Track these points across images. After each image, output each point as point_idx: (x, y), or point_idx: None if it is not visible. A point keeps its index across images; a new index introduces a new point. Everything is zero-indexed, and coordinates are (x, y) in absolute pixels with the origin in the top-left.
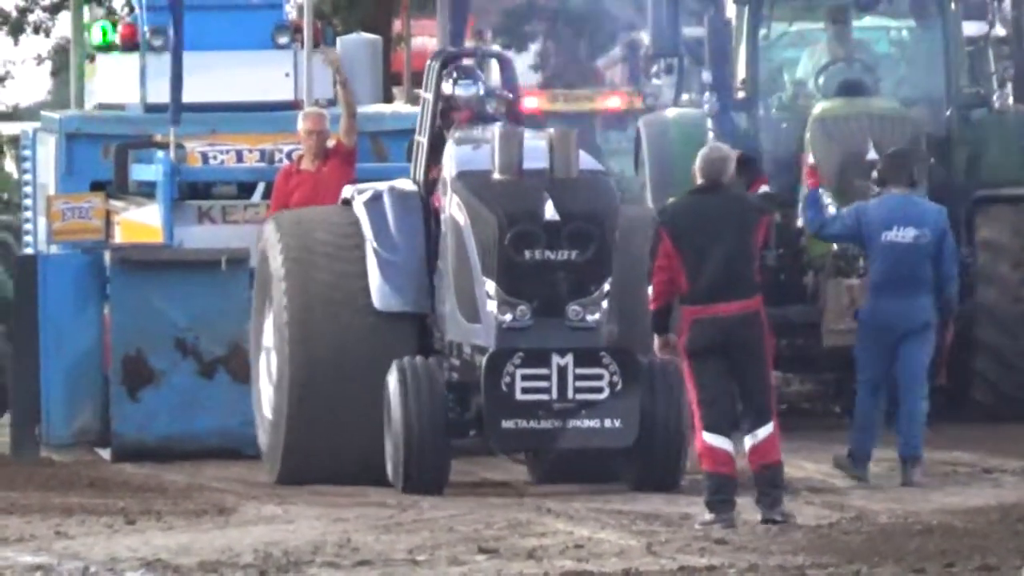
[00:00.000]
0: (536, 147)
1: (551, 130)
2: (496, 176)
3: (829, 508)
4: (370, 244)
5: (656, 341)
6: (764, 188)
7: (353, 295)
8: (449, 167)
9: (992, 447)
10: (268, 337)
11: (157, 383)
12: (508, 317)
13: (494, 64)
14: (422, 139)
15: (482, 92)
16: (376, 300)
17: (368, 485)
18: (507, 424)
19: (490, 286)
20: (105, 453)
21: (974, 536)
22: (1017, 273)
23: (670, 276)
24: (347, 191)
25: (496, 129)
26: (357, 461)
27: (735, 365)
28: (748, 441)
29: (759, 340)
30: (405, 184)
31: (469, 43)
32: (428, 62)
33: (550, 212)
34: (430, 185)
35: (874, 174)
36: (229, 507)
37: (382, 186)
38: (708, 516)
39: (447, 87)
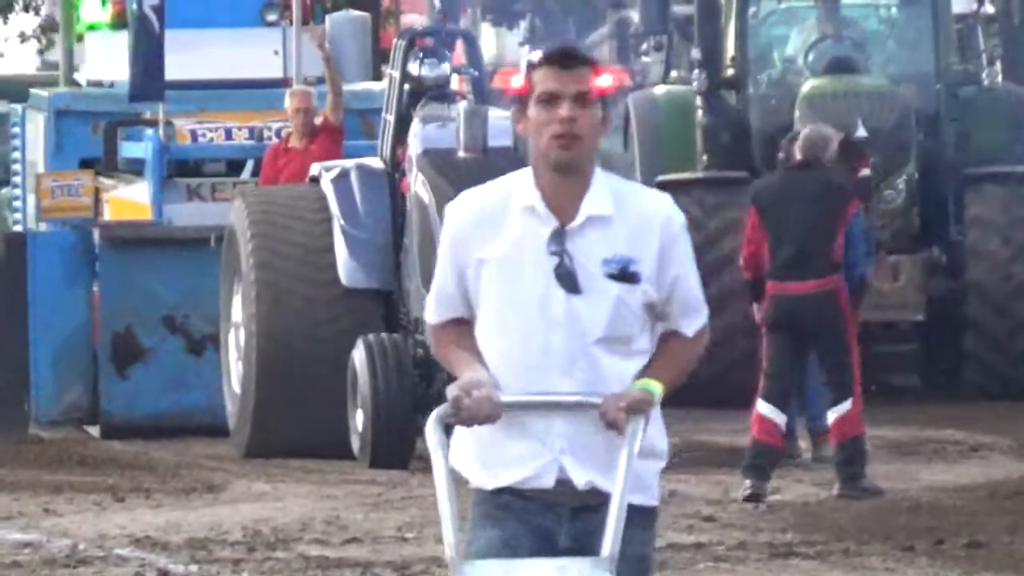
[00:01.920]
0: (501, 125)
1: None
2: (461, 154)
3: (817, 486)
4: (337, 221)
5: (756, 309)
6: (865, 171)
7: (320, 271)
8: (414, 145)
9: (981, 425)
10: (236, 312)
11: (146, 360)
12: None
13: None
14: (389, 117)
15: (448, 71)
16: (343, 276)
17: (334, 459)
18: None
19: None
20: (94, 430)
21: (963, 513)
22: (1007, 250)
23: (756, 249)
24: (315, 168)
25: (461, 107)
26: (323, 435)
27: (813, 342)
28: (830, 416)
29: (834, 318)
30: (372, 162)
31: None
32: (395, 40)
33: None
34: (397, 165)
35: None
36: (218, 484)
37: (349, 163)
38: (745, 483)
39: (413, 67)
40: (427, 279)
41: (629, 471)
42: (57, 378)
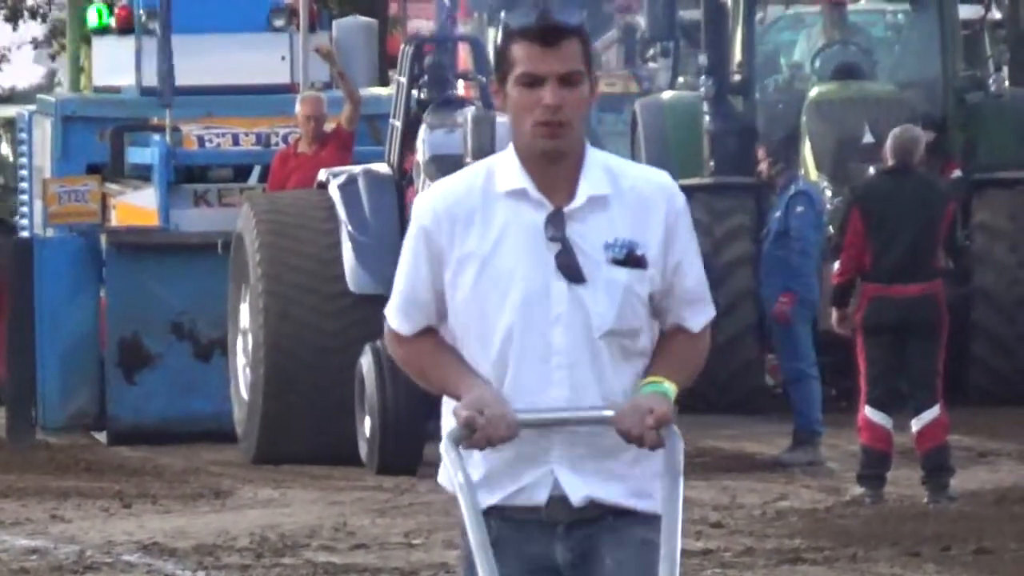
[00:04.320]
0: (508, 131)
1: None
2: (468, 160)
3: (825, 492)
4: (345, 227)
5: (835, 315)
6: (956, 173)
7: (328, 277)
8: (422, 151)
9: (989, 431)
10: (244, 318)
11: (153, 366)
12: None
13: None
14: (396, 123)
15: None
16: (350, 282)
17: (342, 465)
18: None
19: None
20: (101, 436)
21: (970, 519)
22: (1014, 256)
23: (857, 253)
24: (322, 174)
25: (468, 113)
26: (331, 442)
27: (908, 346)
28: (915, 424)
29: (935, 323)
30: (380, 167)
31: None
32: (402, 46)
33: None
34: (405, 172)
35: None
36: (225, 490)
37: (357, 169)
38: (858, 490)
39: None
40: None
41: (679, 498)
42: (64, 384)
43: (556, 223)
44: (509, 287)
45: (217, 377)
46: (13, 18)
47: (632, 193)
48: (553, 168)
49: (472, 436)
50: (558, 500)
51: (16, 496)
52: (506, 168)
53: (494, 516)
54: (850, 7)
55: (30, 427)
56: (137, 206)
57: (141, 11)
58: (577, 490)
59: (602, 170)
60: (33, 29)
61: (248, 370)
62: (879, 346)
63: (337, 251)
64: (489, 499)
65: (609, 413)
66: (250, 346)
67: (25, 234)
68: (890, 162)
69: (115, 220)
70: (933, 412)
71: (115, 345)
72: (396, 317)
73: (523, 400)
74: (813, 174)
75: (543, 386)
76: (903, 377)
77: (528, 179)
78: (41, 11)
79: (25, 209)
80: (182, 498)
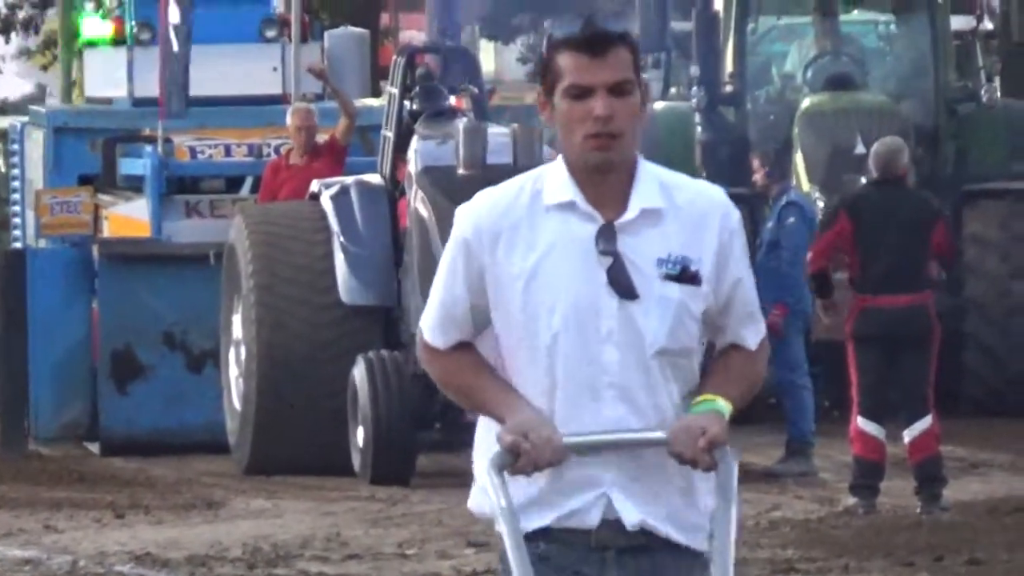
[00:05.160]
0: (500, 142)
1: (515, 125)
2: (460, 171)
3: (818, 502)
4: (337, 238)
5: (818, 304)
6: None
7: (320, 289)
8: (414, 162)
9: (981, 442)
10: (237, 329)
11: (145, 377)
12: None
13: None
14: (388, 134)
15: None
16: (343, 293)
17: (334, 476)
18: (470, 417)
19: None
20: (94, 447)
21: (963, 530)
22: (1005, 267)
23: (833, 245)
24: (314, 185)
25: (460, 124)
26: (324, 452)
27: (899, 357)
28: (907, 435)
29: (925, 335)
30: (372, 178)
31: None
32: (394, 57)
33: None
34: (397, 182)
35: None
36: (218, 501)
37: (349, 180)
38: (851, 501)
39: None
40: (427, 296)
41: (731, 522)
42: (56, 395)
43: (607, 236)
44: (556, 304)
45: (209, 388)
46: (5, 30)
47: (687, 208)
48: (604, 180)
49: (517, 462)
50: (611, 524)
51: (8, 507)
52: (555, 180)
53: (542, 537)
54: (842, 18)
55: (22, 438)
56: (129, 217)
57: (133, 22)
58: (631, 515)
59: (655, 183)
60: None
61: (240, 381)
62: (870, 357)
63: (329, 262)
64: (539, 521)
65: (660, 435)
66: (242, 357)
67: (17, 245)
68: (874, 174)
69: (107, 231)
70: (925, 423)
71: (107, 356)
72: (431, 331)
73: (574, 421)
74: (805, 184)
75: (595, 406)
76: (895, 388)
77: (577, 191)
78: (33, 23)
79: (17, 220)
80: (175, 509)
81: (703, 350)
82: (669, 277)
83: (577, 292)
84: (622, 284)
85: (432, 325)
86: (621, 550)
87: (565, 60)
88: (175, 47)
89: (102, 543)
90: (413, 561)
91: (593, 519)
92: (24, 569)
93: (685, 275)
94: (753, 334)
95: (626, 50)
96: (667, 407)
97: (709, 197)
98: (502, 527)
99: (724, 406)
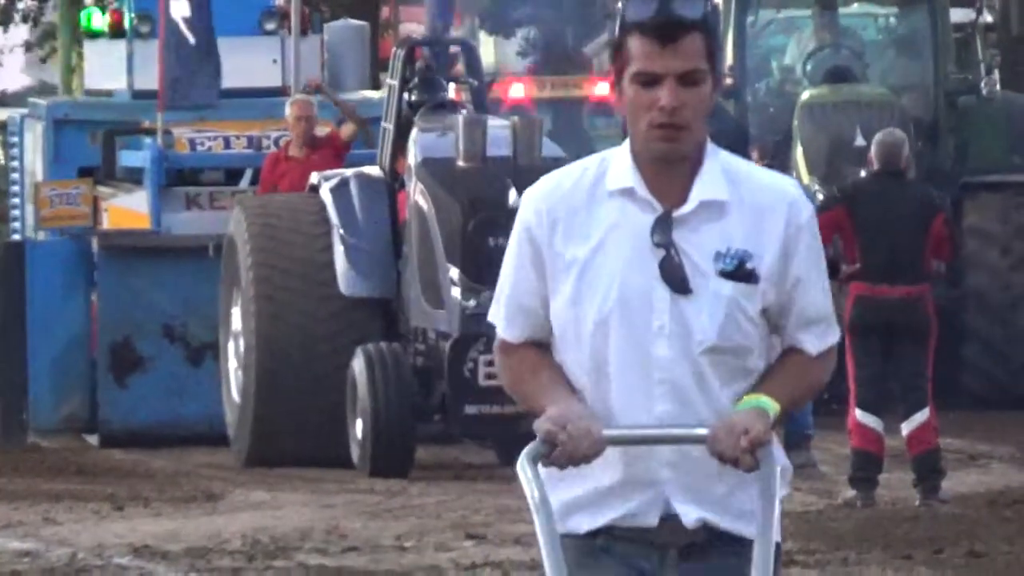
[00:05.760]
0: (500, 134)
1: (515, 118)
2: (460, 163)
3: (816, 495)
4: (336, 230)
5: None
6: None
7: (320, 281)
8: (414, 154)
9: (981, 434)
10: (236, 322)
11: (144, 369)
12: (472, 303)
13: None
14: (388, 126)
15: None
16: (342, 285)
17: (333, 468)
18: (470, 409)
19: (454, 272)
20: (93, 439)
21: (962, 522)
22: (1005, 260)
23: (825, 229)
24: (314, 177)
25: (460, 117)
26: (323, 444)
27: (896, 349)
28: (905, 427)
29: (922, 327)
30: (371, 171)
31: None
32: (394, 49)
33: (513, 199)
34: (397, 175)
35: None
36: (217, 493)
37: (348, 172)
38: (849, 493)
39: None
40: (426, 288)
41: (773, 525)
42: (56, 387)
43: (663, 227)
44: (609, 293)
45: (209, 380)
46: (4, 21)
47: (751, 200)
48: (667, 169)
49: (552, 453)
50: (670, 522)
51: (7, 499)
52: (618, 165)
53: (602, 536)
54: (842, 10)
55: (22, 430)
56: (129, 209)
57: (132, 15)
58: (690, 513)
59: (721, 173)
60: (24, 32)
61: (240, 373)
62: (867, 348)
63: (329, 254)
64: (597, 521)
65: (703, 432)
66: (242, 349)
67: (17, 237)
68: (876, 166)
69: (107, 223)
70: (923, 415)
71: (106, 348)
72: (502, 322)
73: (626, 417)
74: (805, 177)
75: (647, 401)
76: (893, 380)
77: (639, 178)
78: (33, 14)
79: (16, 212)
80: (174, 501)
81: (767, 349)
82: (724, 273)
83: (629, 282)
84: (674, 278)
85: (502, 317)
86: (683, 550)
87: (635, 44)
88: (191, 40)
89: (101, 535)
90: (412, 553)
91: (652, 519)
92: (23, 561)
93: (740, 272)
94: (814, 339)
95: (700, 36)
96: (725, 407)
97: (778, 189)
98: (536, 522)
99: (770, 404)
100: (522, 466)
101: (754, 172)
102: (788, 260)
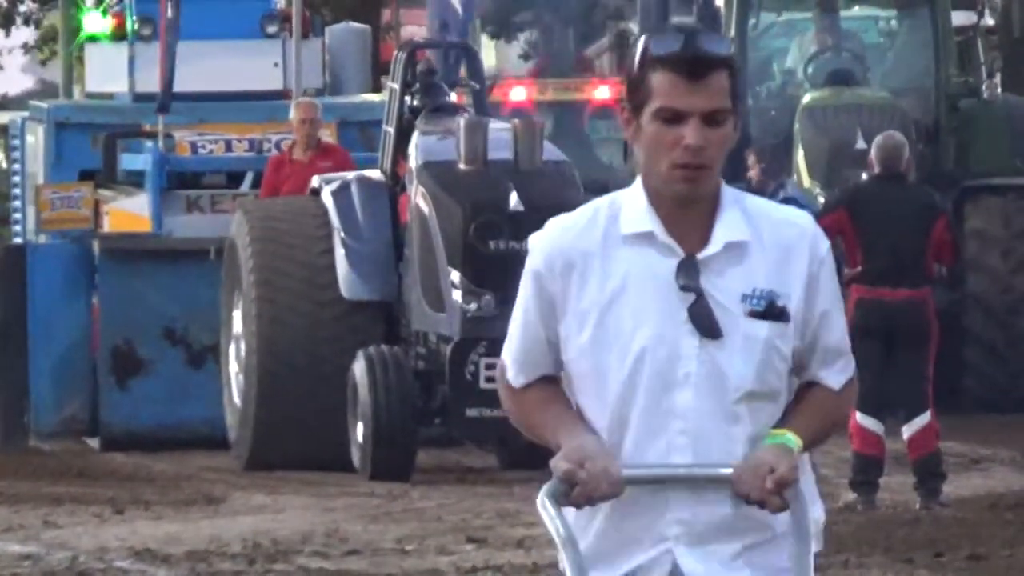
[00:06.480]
0: (501, 138)
1: (516, 120)
2: (461, 166)
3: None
4: (338, 233)
5: None
6: None
7: (321, 284)
8: (415, 157)
9: (981, 437)
10: (237, 325)
11: (146, 372)
12: (473, 307)
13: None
14: (389, 129)
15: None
16: (343, 289)
17: (334, 472)
18: (471, 412)
19: (455, 276)
20: (94, 442)
21: (963, 526)
22: (1006, 263)
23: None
24: (315, 181)
25: (461, 120)
26: (324, 448)
27: (897, 352)
28: (905, 431)
29: (923, 330)
30: (373, 174)
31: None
32: (395, 53)
33: (514, 202)
34: (398, 178)
35: None
36: (218, 496)
37: (350, 176)
38: (850, 496)
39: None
40: (427, 291)
41: (809, 567)
42: (57, 390)
43: (689, 271)
44: (631, 343)
45: (210, 383)
46: (5, 24)
47: (772, 239)
48: (686, 210)
49: (571, 492)
50: None
51: (8, 502)
52: (632, 207)
53: None
54: (843, 13)
55: (23, 433)
56: (130, 212)
57: (134, 18)
58: (697, 570)
59: (739, 212)
60: (25, 35)
61: (241, 376)
62: (868, 351)
63: (330, 258)
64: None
65: (727, 471)
66: (243, 352)
67: (18, 240)
68: (877, 169)
69: (108, 226)
70: (924, 419)
71: (107, 351)
72: (511, 368)
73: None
74: (806, 180)
75: (665, 454)
76: (893, 383)
77: (656, 221)
78: (34, 17)
79: (18, 215)
80: (175, 504)
81: (789, 390)
82: (755, 314)
83: (654, 331)
84: (705, 322)
85: (511, 361)
86: None
87: (659, 79)
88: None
89: (102, 538)
90: (412, 557)
91: None
92: (24, 564)
93: (772, 311)
94: (837, 373)
95: (726, 75)
96: (741, 457)
97: (796, 225)
98: (564, 559)
99: (794, 441)
100: (543, 505)
101: (769, 209)
102: (814, 295)
